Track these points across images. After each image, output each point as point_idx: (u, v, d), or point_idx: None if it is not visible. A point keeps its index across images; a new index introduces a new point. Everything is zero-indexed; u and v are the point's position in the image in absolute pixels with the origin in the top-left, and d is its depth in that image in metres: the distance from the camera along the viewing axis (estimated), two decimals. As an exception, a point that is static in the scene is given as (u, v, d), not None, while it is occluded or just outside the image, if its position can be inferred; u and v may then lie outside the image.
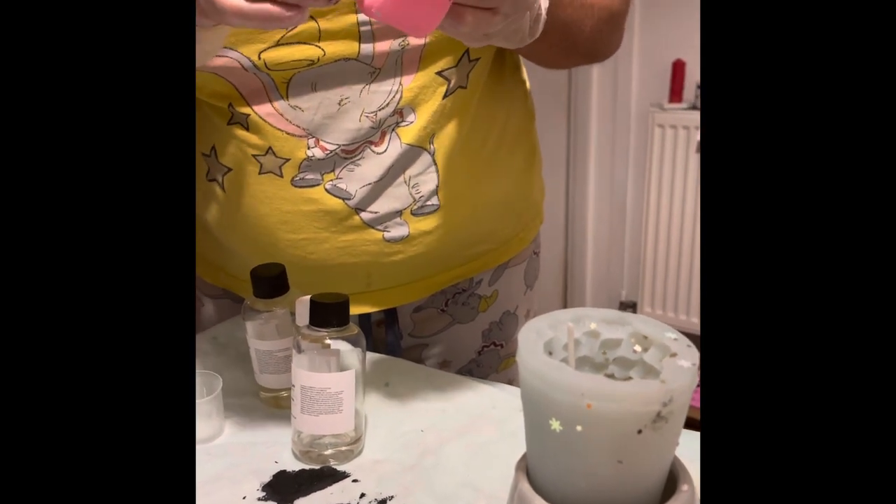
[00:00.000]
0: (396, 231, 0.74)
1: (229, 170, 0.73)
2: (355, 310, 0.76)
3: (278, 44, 0.66)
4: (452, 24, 0.53)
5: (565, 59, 0.77)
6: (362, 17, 0.66)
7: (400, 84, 0.70)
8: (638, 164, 2.32)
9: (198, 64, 0.63)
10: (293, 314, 0.67)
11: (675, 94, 2.17)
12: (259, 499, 0.59)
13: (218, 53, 0.66)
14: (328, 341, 0.63)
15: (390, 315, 0.82)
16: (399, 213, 0.74)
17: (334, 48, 0.67)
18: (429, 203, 0.74)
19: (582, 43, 0.73)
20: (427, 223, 0.75)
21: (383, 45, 0.68)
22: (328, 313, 0.62)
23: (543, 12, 0.63)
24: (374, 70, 0.69)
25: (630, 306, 2.42)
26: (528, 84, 0.86)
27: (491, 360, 0.90)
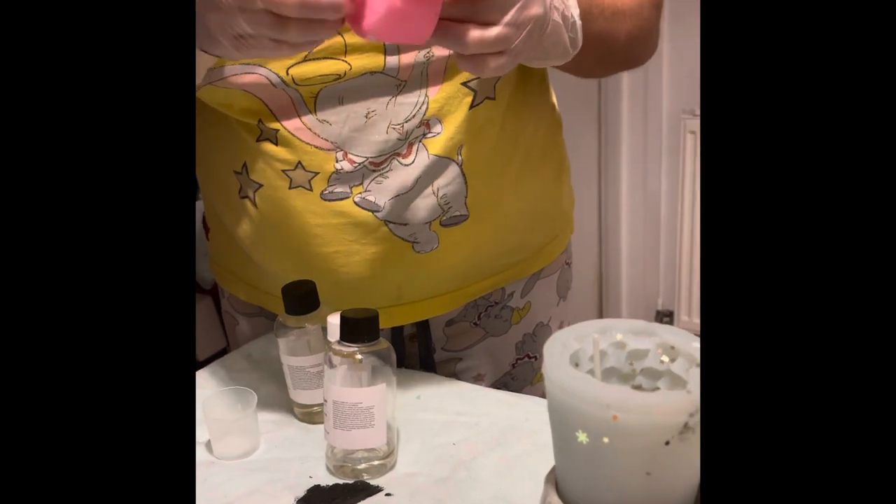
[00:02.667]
0: (426, 242, 0.75)
1: (260, 186, 0.75)
2: (386, 323, 0.76)
3: (306, 59, 0.67)
4: (462, 57, 0.55)
5: (603, 68, 0.77)
6: None
7: (426, 96, 0.70)
8: (671, 170, 2.30)
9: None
10: (325, 329, 0.68)
11: (708, 99, 2.15)
12: (294, 513, 0.60)
13: (247, 70, 0.68)
14: (359, 356, 0.63)
15: (422, 329, 0.83)
16: (428, 224, 0.74)
17: (360, 62, 0.68)
18: (457, 213, 0.75)
19: (618, 51, 0.73)
20: (456, 234, 0.75)
21: (408, 58, 0.69)
22: (358, 329, 0.63)
23: (578, 19, 0.63)
24: (400, 82, 0.70)
25: (667, 315, 2.39)
26: (553, 94, 0.86)
27: (525, 373, 0.89)
